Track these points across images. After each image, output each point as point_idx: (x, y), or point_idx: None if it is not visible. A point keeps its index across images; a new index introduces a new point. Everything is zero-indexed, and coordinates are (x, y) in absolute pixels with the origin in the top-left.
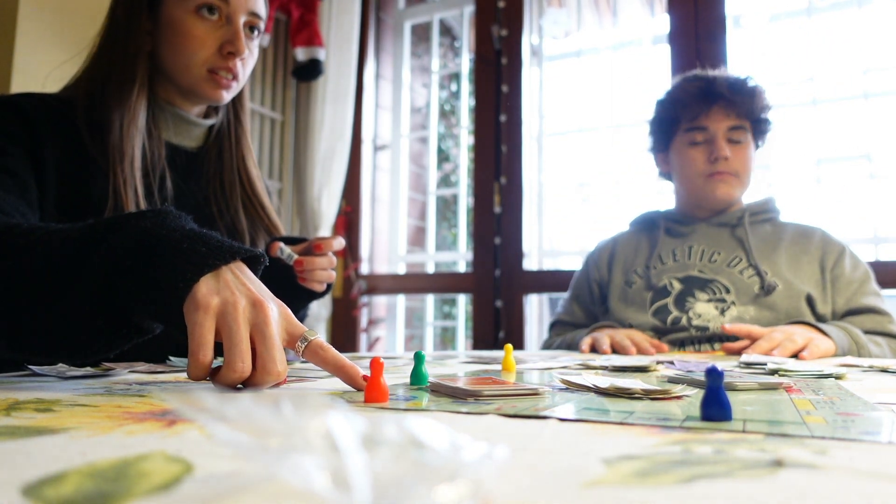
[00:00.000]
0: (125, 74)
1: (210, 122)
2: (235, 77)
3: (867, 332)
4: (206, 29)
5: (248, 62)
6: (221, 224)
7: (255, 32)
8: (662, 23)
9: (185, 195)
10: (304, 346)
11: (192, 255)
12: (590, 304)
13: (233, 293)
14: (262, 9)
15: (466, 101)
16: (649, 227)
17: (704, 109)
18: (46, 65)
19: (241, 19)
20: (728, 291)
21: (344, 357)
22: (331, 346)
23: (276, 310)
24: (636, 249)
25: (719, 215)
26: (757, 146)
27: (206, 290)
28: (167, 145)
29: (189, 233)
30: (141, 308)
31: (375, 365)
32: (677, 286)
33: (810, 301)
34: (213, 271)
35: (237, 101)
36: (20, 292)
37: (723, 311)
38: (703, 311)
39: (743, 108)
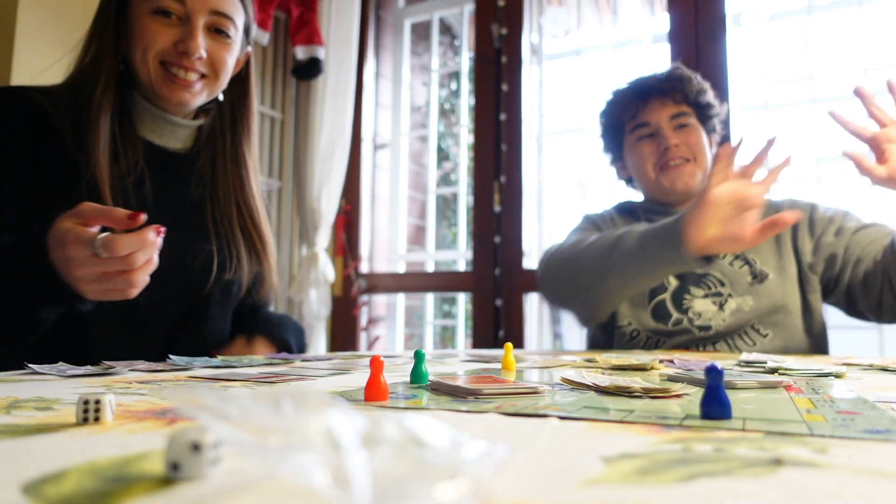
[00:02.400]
0: (92, 74)
1: (195, 122)
2: (202, 76)
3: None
4: (161, 27)
5: (220, 62)
6: (214, 233)
7: (224, 34)
8: (662, 21)
9: (168, 198)
10: (99, 251)
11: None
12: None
13: (78, 276)
14: (229, 8)
15: (466, 100)
16: (631, 217)
17: (641, 105)
18: (46, 64)
19: (201, 20)
20: (723, 284)
21: (129, 242)
22: (117, 239)
23: (74, 250)
24: None
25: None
26: (708, 132)
27: (76, 282)
28: (148, 146)
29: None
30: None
31: (375, 363)
32: (673, 282)
33: (802, 282)
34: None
35: (237, 104)
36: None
37: (721, 306)
38: (702, 308)
39: (679, 95)
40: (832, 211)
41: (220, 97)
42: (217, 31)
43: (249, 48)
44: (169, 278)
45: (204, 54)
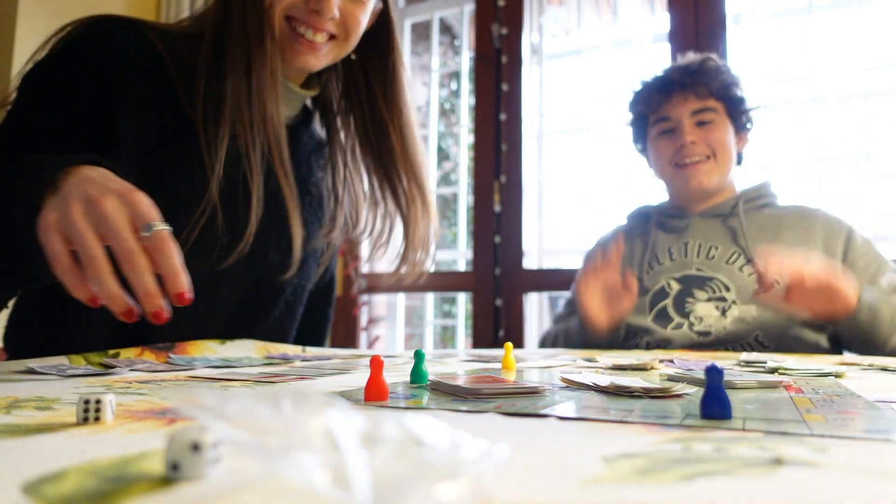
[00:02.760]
0: (258, 26)
1: (311, 92)
2: (332, 37)
3: None
4: None
5: (354, 21)
6: (319, 207)
7: None
8: (663, 21)
9: (270, 171)
10: (147, 234)
11: (28, 185)
12: None
13: (67, 202)
14: None
15: (466, 100)
16: (643, 221)
17: (664, 99)
18: None
19: None
20: (728, 290)
21: (179, 265)
22: (174, 246)
23: (113, 201)
24: (632, 248)
25: (712, 206)
26: (740, 128)
27: (47, 209)
28: None
29: (27, 166)
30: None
31: (375, 363)
32: (675, 287)
33: None
34: (50, 190)
35: (371, 64)
36: None
37: (724, 312)
38: (704, 312)
39: (705, 89)
40: (867, 245)
41: (353, 56)
42: None
43: (381, 3)
44: (245, 260)
45: (337, 14)
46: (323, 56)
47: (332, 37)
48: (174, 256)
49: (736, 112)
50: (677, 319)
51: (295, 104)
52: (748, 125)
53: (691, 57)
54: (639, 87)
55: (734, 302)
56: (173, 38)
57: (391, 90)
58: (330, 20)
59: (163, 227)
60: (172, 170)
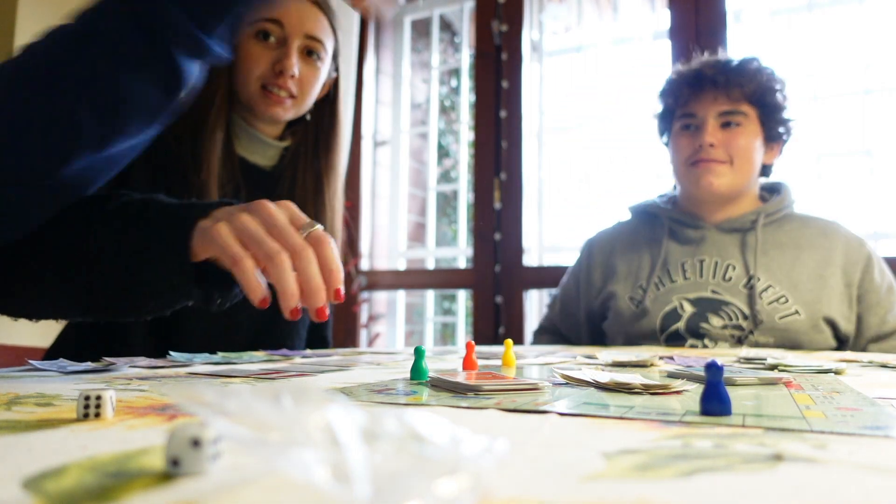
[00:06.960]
0: (208, 95)
1: (282, 143)
2: (292, 95)
3: None
4: (261, 50)
5: (307, 84)
6: None
7: (315, 56)
8: (663, 18)
9: None
10: (306, 233)
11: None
12: (575, 309)
13: (232, 213)
14: (321, 33)
15: (466, 97)
16: (650, 222)
17: (695, 95)
18: None
19: (296, 42)
20: (746, 318)
21: (339, 265)
22: (332, 245)
23: (273, 206)
24: (640, 255)
25: (730, 218)
26: (772, 138)
27: (210, 222)
28: (242, 162)
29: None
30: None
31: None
32: (689, 309)
33: (832, 324)
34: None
35: (321, 126)
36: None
37: (739, 340)
38: (718, 339)
39: (738, 91)
40: (882, 276)
41: (308, 117)
42: (308, 54)
43: (336, 73)
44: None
45: (297, 73)
46: (287, 109)
47: (291, 96)
48: (334, 252)
49: (769, 120)
50: (691, 341)
51: (273, 153)
52: (784, 136)
53: (733, 55)
54: (672, 76)
55: (751, 332)
56: None
57: (331, 152)
58: (291, 78)
59: (318, 227)
60: None
